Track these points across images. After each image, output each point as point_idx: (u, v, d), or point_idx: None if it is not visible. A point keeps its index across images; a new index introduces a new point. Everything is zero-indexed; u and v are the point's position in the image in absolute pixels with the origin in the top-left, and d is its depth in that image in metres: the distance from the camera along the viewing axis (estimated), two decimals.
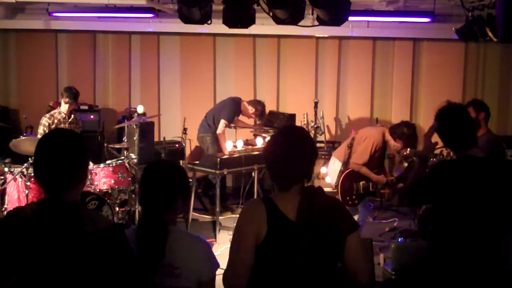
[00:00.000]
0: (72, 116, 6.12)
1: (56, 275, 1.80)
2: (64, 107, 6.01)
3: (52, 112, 6.07)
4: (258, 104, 6.98)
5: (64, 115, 6.02)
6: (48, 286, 1.81)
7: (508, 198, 2.77)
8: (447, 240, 2.85)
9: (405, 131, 5.18)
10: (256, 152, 6.27)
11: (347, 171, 5.41)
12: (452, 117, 2.87)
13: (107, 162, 5.89)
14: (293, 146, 2.20)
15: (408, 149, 5.29)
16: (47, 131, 5.80)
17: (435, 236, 2.94)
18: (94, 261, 1.80)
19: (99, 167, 5.65)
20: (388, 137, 5.33)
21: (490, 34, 4.87)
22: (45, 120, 5.93)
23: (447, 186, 2.79)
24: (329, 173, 5.83)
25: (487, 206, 2.75)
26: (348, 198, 5.36)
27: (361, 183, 5.41)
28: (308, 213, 2.11)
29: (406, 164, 5.79)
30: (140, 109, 6.95)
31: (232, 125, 7.18)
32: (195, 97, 8.40)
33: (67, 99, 5.96)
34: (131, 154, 6.05)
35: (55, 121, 5.97)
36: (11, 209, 2.00)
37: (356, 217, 5.34)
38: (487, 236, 2.78)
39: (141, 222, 2.21)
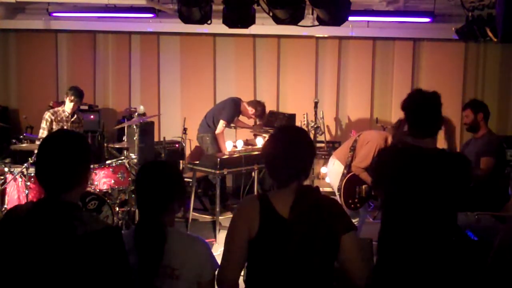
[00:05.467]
0: (75, 116, 6.14)
1: (44, 276, 1.78)
2: (68, 106, 6.03)
3: (56, 109, 6.10)
4: (258, 105, 6.98)
5: (67, 114, 6.05)
6: (36, 287, 1.80)
7: (452, 191, 2.65)
8: (389, 232, 2.76)
9: (408, 140, 5.16)
10: (256, 152, 6.27)
11: (349, 174, 5.41)
12: (417, 103, 2.75)
13: (107, 162, 5.89)
14: (291, 144, 2.23)
15: None
16: (49, 126, 5.87)
17: (382, 224, 2.83)
18: (83, 264, 1.78)
19: (99, 167, 5.64)
20: (390, 143, 5.32)
21: (490, 34, 4.87)
22: (48, 116, 5.97)
23: (388, 172, 2.73)
24: (328, 174, 5.82)
25: (425, 198, 2.64)
26: (350, 201, 5.35)
27: (363, 186, 5.40)
28: (301, 210, 2.13)
29: None
30: (140, 109, 6.95)
31: (232, 125, 7.18)
32: (195, 97, 8.40)
33: (72, 97, 5.99)
34: (131, 154, 6.05)
35: (58, 118, 6.01)
36: (11, 207, 2.00)
37: (356, 220, 5.34)
38: (428, 228, 2.66)
39: (138, 225, 2.21)
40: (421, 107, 2.71)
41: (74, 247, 1.78)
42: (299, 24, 4.96)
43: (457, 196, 2.65)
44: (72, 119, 6.10)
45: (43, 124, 5.96)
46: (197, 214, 6.64)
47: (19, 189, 5.23)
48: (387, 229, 2.76)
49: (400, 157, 2.77)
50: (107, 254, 1.82)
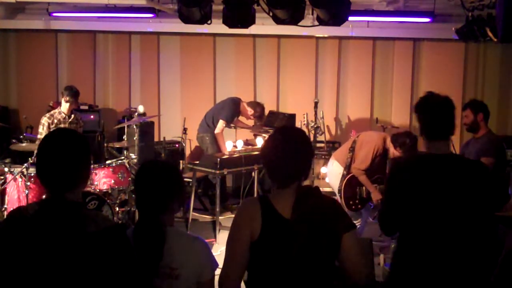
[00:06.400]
0: (73, 116, 6.11)
1: (58, 275, 1.79)
2: (64, 107, 5.99)
3: (52, 112, 6.06)
4: (257, 106, 6.98)
5: (64, 115, 6.01)
6: (49, 286, 1.81)
7: (474, 198, 2.53)
8: (409, 246, 2.61)
9: (406, 142, 5.17)
10: (256, 152, 6.27)
11: (349, 175, 5.40)
12: (431, 106, 2.73)
13: (107, 162, 5.89)
14: (289, 145, 2.22)
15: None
16: (46, 131, 5.82)
17: (399, 243, 2.70)
18: (96, 261, 1.80)
19: (99, 167, 5.64)
20: (389, 144, 5.32)
21: (490, 34, 4.88)
22: (44, 120, 5.92)
23: (404, 185, 2.61)
24: (327, 175, 5.83)
25: (446, 207, 2.52)
26: (351, 202, 5.35)
27: (364, 188, 5.40)
28: (303, 211, 2.13)
29: None
30: (140, 109, 6.95)
31: (232, 125, 7.18)
32: (195, 97, 8.40)
33: (67, 98, 5.96)
34: (131, 154, 6.05)
35: (55, 121, 5.96)
36: (13, 208, 2.00)
37: (358, 221, 5.33)
38: (451, 240, 2.52)
39: (137, 225, 2.21)
40: (438, 108, 2.68)
41: (86, 245, 1.80)
42: (299, 24, 4.96)
43: (483, 206, 2.54)
44: (70, 120, 6.06)
45: (41, 129, 5.89)
46: (197, 214, 6.64)
47: (19, 189, 5.23)
48: (406, 247, 2.64)
49: (418, 166, 2.67)
50: (117, 250, 1.85)
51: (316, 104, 6.84)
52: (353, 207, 5.34)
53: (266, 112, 7.35)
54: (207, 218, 6.67)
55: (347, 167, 5.45)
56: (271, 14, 4.84)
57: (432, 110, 2.69)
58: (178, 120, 8.26)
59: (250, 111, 6.91)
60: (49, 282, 1.80)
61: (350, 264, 2.21)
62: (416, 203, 2.57)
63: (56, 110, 6.05)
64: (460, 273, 2.52)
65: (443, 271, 2.51)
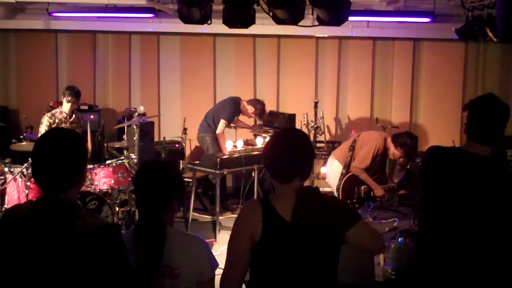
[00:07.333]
0: (74, 115, 6.11)
1: (44, 275, 1.78)
2: (66, 106, 5.99)
3: (53, 112, 6.06)
4: (257, 104, 6.97)
5: (65, 115, 6.02)
6: (37, 286, 1.80)
7: (498, 204, 2.41)
8: (431, 242, 2.57)
9: (407, 142, 5.18)
10: (256, 152, 6.26)
11: (348, 174, 5.40)
12: (482, 106, 2.56)
13: (107, 162, 5.88)
14: (290, 144, 2.24)
15: (401, 159, 5.33)
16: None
17: (420, 234, 2.67)
18: (84, 262, 1.78)
19: (99, 167, 5.64)
20: (390, 144, 5.33)
21: (490, 34, 4.88)
22: (46, 119, 5.93)
23: (433, 174, 2.56)
24: (327, 174, 5.84)
25: (466, 206, 2.44)
26: (349, 201, 5.36)
27: (362, 187, 5.40)
28: (303, 213, 2.13)
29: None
30: (140, 109, 6.95)
31: (232, 125, 7.18)
32: (195, 97, 8.40)
33: (69, 98, 5.95)
34: (131, 154, 6.05)
35: (56, 120, 5.97)
36: (10, 207, 2.00)
37: None
38: (475, 245, 2.43)
39: (137, 225, 2.21)
40: (489, 112, 2.54)
41: (75, 245, 1.78)
42: (299, 24, 4.96)
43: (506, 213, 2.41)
44: (71, 120, 6.07)
45: (41, 129, 5.89)
46: (197, 214, 6.63)
47: (19, 189, 5.23)
48: (428, 251, 2.58)
49: (450, 159, 2.56)
50: (108, 252, 1.83)
51: (316, 104, 6.84)
52: (350, 206, 5.35)
53: (266, 110, 7.35)
54: (207, 218, 6.67)
55: (347, 166, 5.46)
56: (271, 14, 4.84)
57: (481, 112, 2.56)
58: (178, 120, 8.26)
59: (250, 109, 6.91)
60: (39, 282, 1.79)
61: (366, 246, 2.27)
62: (439, 195, 2.53)
63: (57, 110, 6.05)
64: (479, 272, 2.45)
65: (462, 266, 2.46)
